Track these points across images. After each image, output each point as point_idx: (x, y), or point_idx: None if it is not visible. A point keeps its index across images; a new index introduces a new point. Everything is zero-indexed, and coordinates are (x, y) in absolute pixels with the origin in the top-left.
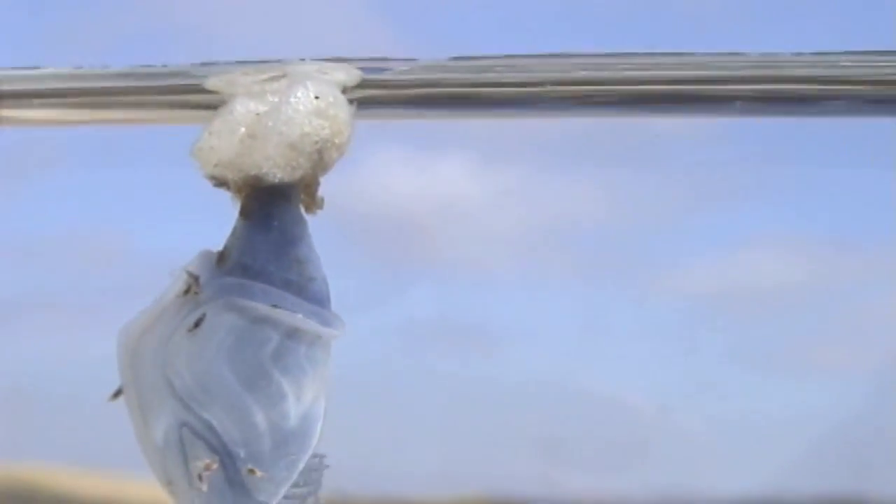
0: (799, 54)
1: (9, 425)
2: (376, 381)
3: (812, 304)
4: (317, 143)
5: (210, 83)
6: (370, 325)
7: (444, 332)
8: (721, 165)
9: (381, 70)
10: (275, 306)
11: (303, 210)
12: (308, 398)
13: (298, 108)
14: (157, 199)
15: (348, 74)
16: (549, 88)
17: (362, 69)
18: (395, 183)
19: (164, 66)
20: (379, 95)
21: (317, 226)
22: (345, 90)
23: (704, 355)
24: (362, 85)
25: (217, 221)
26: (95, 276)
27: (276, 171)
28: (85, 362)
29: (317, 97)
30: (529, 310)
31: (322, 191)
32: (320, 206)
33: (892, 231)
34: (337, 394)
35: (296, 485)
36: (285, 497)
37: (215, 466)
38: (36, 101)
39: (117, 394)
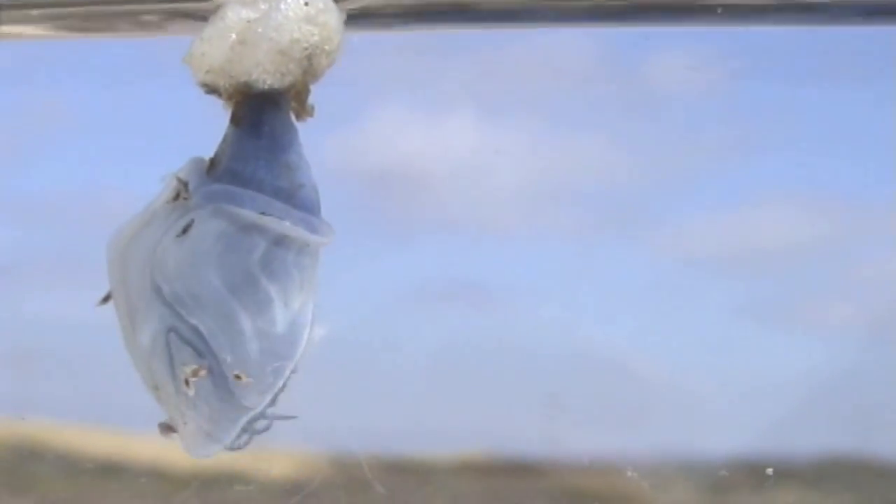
0: None
1: (13, 382)
2: (378, 338)
3: (818, 261)
4: (306, 49)
5: None
6: (373, 282)
7: (447, 288)
8: (727, 121)
9: None
10: (262, 213)
11: (293, 118)
12: (296, 305)
13: (288, 14)
14: (162, 158)
15: None
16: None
17: None
18: (400, 140)
19: None
20: (373, 6)
21: (324, 186)
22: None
23: (709, 313)
24: None
25: None
26: (100, 234)
27: (266, 76)
28: (90, 319)
29: (306, 3)
30: (534, 267)
31: (327, 147)
32: (311, 114)
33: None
34: (339, 351)
35: None
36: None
37: (203, 372)
38: (31, 14)
39: (106, 298)
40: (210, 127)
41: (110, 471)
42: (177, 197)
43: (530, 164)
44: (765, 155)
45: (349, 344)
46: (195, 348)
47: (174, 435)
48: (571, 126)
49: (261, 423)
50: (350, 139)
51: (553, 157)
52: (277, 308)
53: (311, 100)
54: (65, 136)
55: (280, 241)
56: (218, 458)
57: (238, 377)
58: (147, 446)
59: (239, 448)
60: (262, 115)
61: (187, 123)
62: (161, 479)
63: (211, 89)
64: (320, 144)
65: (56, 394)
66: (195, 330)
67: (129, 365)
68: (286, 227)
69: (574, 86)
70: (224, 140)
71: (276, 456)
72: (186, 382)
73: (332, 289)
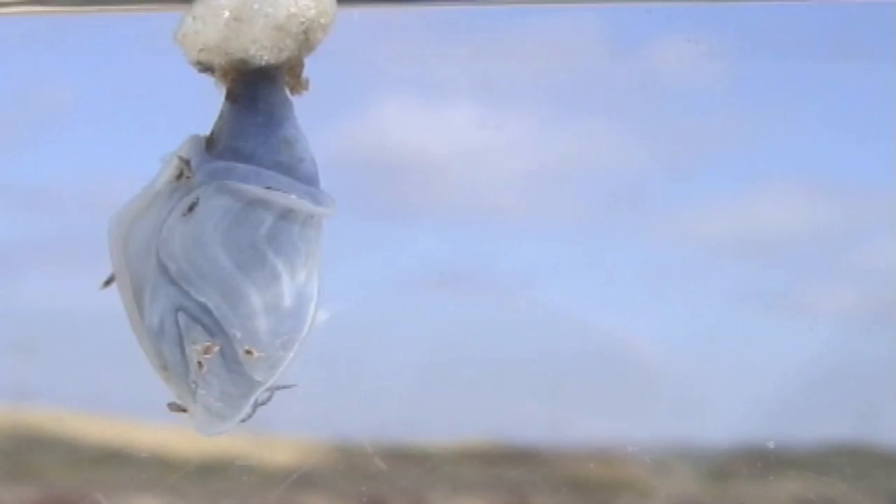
0: None
1: (14, 369)
2: (380, 324)
3: (820, 246)
4: (303, 23)
5: None
6: (374, 268)
7: (449, 274)
8: (730, 104)
9: None
10: (268, 188)
11: (288, 92)
12: (301, 277)
13: None
14: (153, 138)
15: None
16: None
17: None
18: (399, 122)
19: None
20: None
21: (325, 171)
22: None
23: (712, 299)
24: None
25: None
26: (99, 219)
27: (263, 53)
28: (90, 306)
29: None
30: (535, 252)
31: (331, 136)
32: (305, 88)
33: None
34: (340, 336)
35: None
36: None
37: (216, 349)
38: None
39: (108, 281)
40: (198, 103)
41: (111, 457)
42: (180, 176)
43: (532, 147)
44: (768, 138)
45: (350, 330)
46: (205, 326)
47: (184, 414)
48: (573, 108)
49: (262, 395)
50: (348, 121)
51: (555, 140)
52: (285, 282)
53: (304, 73)
54: (57, 119)
55: (286, 214)
56: (219, 443)
57: (248, 352)
58: (148, 433)
59: (243, 421)
60: (257, 91)
61: (175, 102)
62: (162, 465)
63: (205, 67)
64: (318, 126)
65: (56, 381)
66: (204, 307)
67: (130, 351)
68: (292, 200)
69: (577, 67)
70: (220, 117)
71: (277, 442)
72: (199, 362)
73: (333, 275)
